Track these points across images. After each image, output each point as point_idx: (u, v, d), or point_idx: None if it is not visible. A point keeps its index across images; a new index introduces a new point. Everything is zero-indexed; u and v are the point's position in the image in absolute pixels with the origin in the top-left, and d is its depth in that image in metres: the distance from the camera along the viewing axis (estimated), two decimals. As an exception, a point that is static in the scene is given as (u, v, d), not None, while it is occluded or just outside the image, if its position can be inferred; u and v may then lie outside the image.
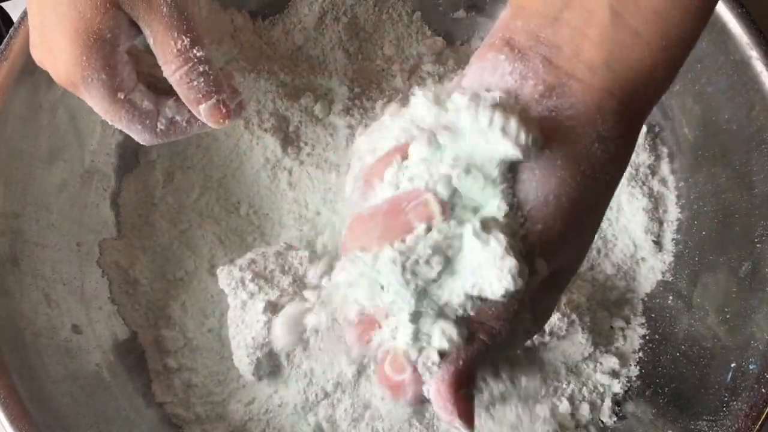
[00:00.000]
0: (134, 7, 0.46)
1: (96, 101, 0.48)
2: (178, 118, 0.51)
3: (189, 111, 0.50)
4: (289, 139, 0.64)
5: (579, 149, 0.35)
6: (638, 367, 0.61)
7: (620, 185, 0.62)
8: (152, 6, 0.47)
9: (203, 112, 0.49)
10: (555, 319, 0.57)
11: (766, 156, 0.57)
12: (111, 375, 0.59)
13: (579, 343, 0.59)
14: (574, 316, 0.58)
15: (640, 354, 0.62)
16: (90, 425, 0.56)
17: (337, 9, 0.68)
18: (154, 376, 0.61)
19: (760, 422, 0.52)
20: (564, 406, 0.59)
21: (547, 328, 0.57)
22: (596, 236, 0.63)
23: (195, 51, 0.48)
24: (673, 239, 0.63)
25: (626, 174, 0.63)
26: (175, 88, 0.49)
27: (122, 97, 0.49)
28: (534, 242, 0.35)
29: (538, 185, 0.34)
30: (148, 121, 0.50)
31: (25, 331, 0.56)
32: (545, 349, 0.58)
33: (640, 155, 0.64)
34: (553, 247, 0.35)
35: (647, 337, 0.62)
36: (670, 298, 0.62)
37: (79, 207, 0.62)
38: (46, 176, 0.60)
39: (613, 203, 0.64)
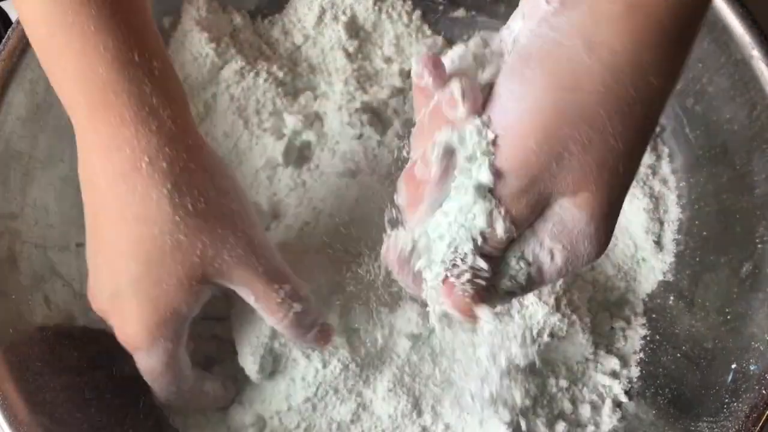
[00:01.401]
0: (229, 277, 0.47)
1: (149, 364, 0.49)
2: (210, 391, 0.54)
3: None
4: (288, 139, 0.64)
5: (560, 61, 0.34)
6: (639, 368, 0.61)
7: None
8: (248, 269, 0.47)
9: (310, 339, 0.51)
10: (555, 319, 0.57)
11: (767, 156, 0.57)
12: (110, 376, 0.59)
13: (580, 343, 0.59)
14: (574, 317, 0.58)
15: (641, 355, 0.62)
16: (89, 428, 0.55)
17: (336, 8, 0.68)
18: (153, 378, 0.61)
19: (760, 424, 0.52)
20: (565, 407, 0.58)
21: (547, 328, 0.57)
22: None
23: (296, 295, 0.49)
24: (674, 239, 0.63)
25: (627, 174, 0.63)
26: (282, 331, 0.51)
27: (176, 362, 0.49)
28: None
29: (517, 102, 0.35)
30: (184, 387, 0.52)
31: (24, 333, 0.55)
32: (546, 350, 0.58)
33: (641, 155, 0.64)
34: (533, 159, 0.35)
35: (648, 338, 0.62)
36: (671, 298, 0.62)
37: (78, 208, 0.61)
38: (45, 177, 0.59)
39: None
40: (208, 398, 0.54)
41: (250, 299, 0.48)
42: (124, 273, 0.45)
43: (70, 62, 0.41)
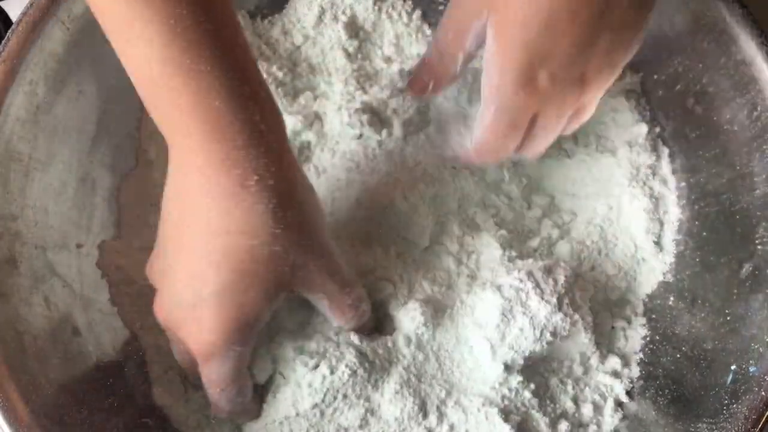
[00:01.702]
0: (309, 285, 0.51)
1: (222, 372, 0.51)
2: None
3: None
4: (288, 140, 0.64)
5: None
6: (639, 368, 0.61)
7: (621, 185, 0.63)
8: (328, 277, 0.51)
9: (365, 331, 0.57)
10: (558, 318, 0.57)
11: (767, 157, 0.57)
12: (110, 377, 0.59)
13: (582, 342, 0.59)
14: (576, 316, 0.58)
15: (641, 355, 0.62)
16: (89, 428, 0.56)
17: (336, 8, 0.68)
18: (155, 378, 0.61)
19: (760, 425, 0.52)
20: (568, 406, 0.59)
21: (550, 327, 0.57)
22: (597, 236, 0.63)
23: (361, 297, 0.55)
24: (674, 240, 0.63)
25: (627, 174, 0.64)
26: (349, 329, 0.56)
27: (245, 371, 0.53)
28: None
29: None
30: (247, 397, 0.54)
31: (24, 334, 0.55)
32: (549, 349, 0.58)
33: (641, 155, 0.64)
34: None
35: (648, 338, 0.62)
36: (671, 299, 0.62)
37: (78, 208, 0.61)
38: (45, 178, 0.59)
39: (613, 204, 0.63)
40: (255, 410, 0.57)
41: (322, 303, 0.53)
42: (211, 282, 0.48)
43: (184, 97, 0.44)
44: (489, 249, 0.61)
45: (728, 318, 0.57)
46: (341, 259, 0.53)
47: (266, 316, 0.50)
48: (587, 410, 0.59)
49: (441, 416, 0.57)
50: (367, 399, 0.56)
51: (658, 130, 0.65)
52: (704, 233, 0.62)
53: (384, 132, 0.63)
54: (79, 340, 0.59)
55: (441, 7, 0.69)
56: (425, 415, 0.57)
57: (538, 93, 0.52)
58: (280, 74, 0.66)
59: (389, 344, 0.57)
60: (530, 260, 0.61)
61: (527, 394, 0.58)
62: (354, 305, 0.54)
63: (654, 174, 0.64)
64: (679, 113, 0.63)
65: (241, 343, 0.50)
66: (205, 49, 0.44)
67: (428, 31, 0.69)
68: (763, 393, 0.52)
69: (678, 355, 0.60)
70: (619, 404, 0.60)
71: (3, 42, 0.57)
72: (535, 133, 0.55)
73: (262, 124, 0.46)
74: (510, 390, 0.58)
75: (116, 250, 0.63)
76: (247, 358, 0.52)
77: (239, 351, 0.50)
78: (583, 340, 0.59)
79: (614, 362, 0.61)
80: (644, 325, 0.62)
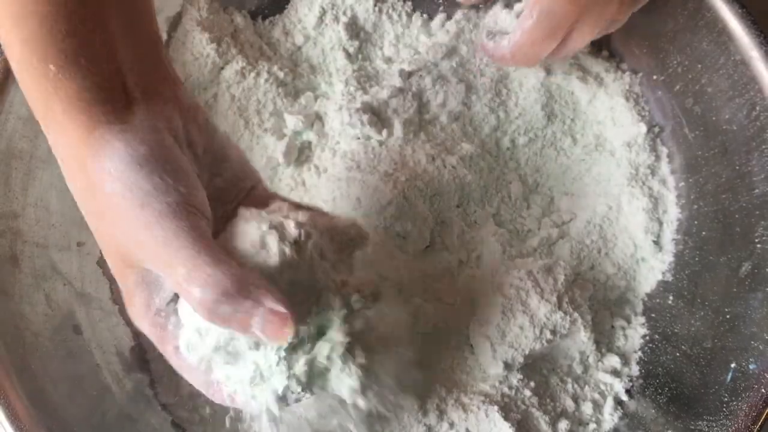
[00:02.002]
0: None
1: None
2: None
3: None
4: (289, 139, 0.64)
5: None
6: (639, 367, 0.61)
7: (620, 185, 0.63)
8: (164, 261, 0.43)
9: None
10: (558, 317, 0.57)
11: (766, 156, 0.57)
12: (111, 375, 0.59)
13: (581, 341, 0.59)
14: (576, 315, 0.58)
15: (641, 353, 0.62)
16: (91, 426, 0.56)
17: (336, 9, 0.68)
18: (157, 377, 0.61)
19: (759, 422, 0.52)
20: (568, 405, 0.59)
21: (550, 326, 0.57)
22: (597, 236, 0.63)
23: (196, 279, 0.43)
24: (673, 239, 0.63)
25: (626, 174, 0.64)
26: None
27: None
28: None
29: None
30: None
31: (25, 332, 0.55)
32: (549, 348, 0.58)
33: (640, 155, 0.64)
34: None
35: (648, 337, 0.62)
36: (671, 298, 0.62)
37: (77, 206, 0.61)
38: (46, 176, 0.59)
39: (612, 203, 0.64)
40: None
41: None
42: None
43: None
44: (489, 248, 0.62)
45: (727, 316, 0.57)
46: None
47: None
48: (587, 408, 0.59)
49: (441, 414, 0.57)
50: None
51: (657, 130, 0.65)
52: (703, 232, 0.62)
53: (384, 132, 0.63)
54: (80, 338, 0.59)
55: (441, 8, 0.70)
56: (425, 413, 0.57)
57: (582, 3, 0.55)
58: (281, 74, 0.66)
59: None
60: (530, 259, 0.61)
61: (527, 393, 0.58)
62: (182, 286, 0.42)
63: (653, 174, 0.65)
64: (678, 113, 0.64)
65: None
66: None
67: (428, 32, 0.69)
68: (762, 390, 0.52)
69: (677, 354, 0.60)
70: (618, 403, 0.60)
71: (5, 41, 0.57)
72: (569, 40, 0.58)
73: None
74: (510, 388, 0.58)
75: (117, 249, 0.63)
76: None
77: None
78: (583, 338, 0.59)
79: (614, 361, 0.61)
80: (644, 324, 0.63)
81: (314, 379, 0.43)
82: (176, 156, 0.43)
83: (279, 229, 0.44)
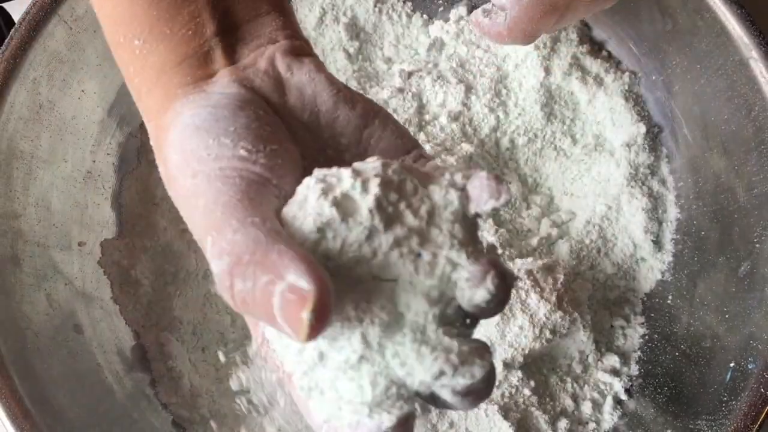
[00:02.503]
0: None
1: None
2: None
3: None
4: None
5: None
6: (638, 366, 0.61)
7: (620, 185, 0.63)
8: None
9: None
10: (557, 317, 0.57)
11: (765, 156, 0.57)
12: (113, 375, 0.59)
13: (581, 341, 0.59)
14: (575, 314, 0.58)
15: (640, 353, 0.62)
16: (92, 425, 0.56)
17: (337, 9, 0.68)
18: (157, 376, 0.61)
19: (759, 422, 0.52)
20: (567, 404, 0.59)
21: (549, 325, 0.57)
22: (596, 235, 0.63)
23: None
24: (672, 239, 0.63)
25: (626, 174, 0.64)
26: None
27: None
28: None
29: None
30: None
31: (26, 331, 0.55)
32: (548, 347, 0.58)
33: (640, 155, 0.64)
34: None
35: (647, 337, 0.62)
36: (670, 297, 0.62)
37: (80, 207, 0.62)
38: (47, 176, 0.60)
39: (612, 203, 0.64)
40: None
41: None
42: None
43: None
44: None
45: (726, 316, 0.57)
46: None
47: None
48: (586, 408, 0.59)
49: (441, 413, 0.57)
50: None
51: (656, 130, 0.66)
52: (702, 232, 0.62)
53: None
54: (81, 337, 0.59)
55: (441, 8, 0.70)
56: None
57: None
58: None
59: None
60: (530, 259, 0.61)
61: (527, 392, 0.58)
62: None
63: (652, 174, 0.65)
64: (678, 113, 0.64)
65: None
66: None
67: (428, 32, 0.69)
68: (762, 390, 0.52)
69: (676, 354, 0.60)
70: (618, 402, 0.60)
71: (5, 41, 0.57)
72: (565, 16, 0.55)
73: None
74: (510, 387, 0.58)
75: (118, 248, 0.63)
76: None
77: None
78: (582, 338, 0.59)
79: (613, 360, 0.61)
80: (643, 323, 0.63)
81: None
82: (247, 113, 0.35)
83: (327, 181, 0.32)
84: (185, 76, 0.37)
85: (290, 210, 0.33)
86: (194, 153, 0.34)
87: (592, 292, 0.62)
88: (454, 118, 0.65)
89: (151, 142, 0.38)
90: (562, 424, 0.58)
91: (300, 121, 0.37)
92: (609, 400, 0.60)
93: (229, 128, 0.34)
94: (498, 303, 0.32)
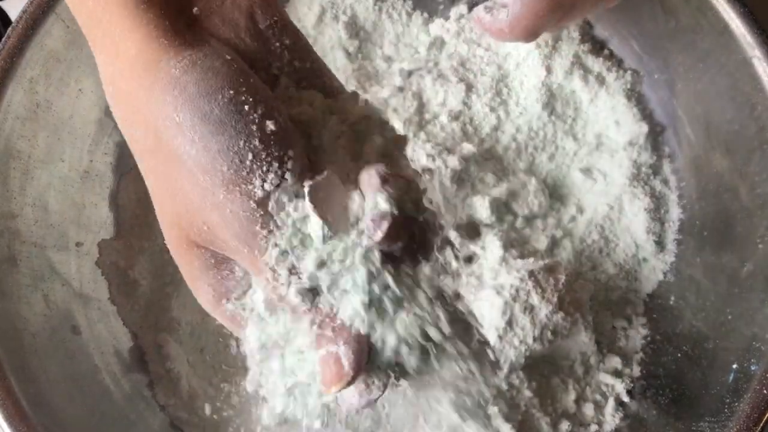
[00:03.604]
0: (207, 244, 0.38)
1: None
2: None
3: None
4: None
5: None
6: (640, 367, 0.61)
7: (621, 185, 0.63)
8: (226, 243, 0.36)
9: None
10: (559, 317, 0.57)
11: (767, 156, 0.57)
12: (110, 376, 0.59)
13: (582, 342, 0.59)
14: (577, 315, 0.58)
15: (642, 354, 0.62)
16: (89, 427, 0.55)
17: (336, 8, 0.68)
18: (155, 378, 0.61)
19: (761, 423, 0.52)
20: (569, 406, 0.59)
21: (551, 326, 0.57)
22: (598, 236, 0.63)
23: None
24: (674, 239, 0.63)
25: (628, 174, 0.64)
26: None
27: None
28: None
29: None
30: None
31: (23, 332, 0.55)
32: (550, 349, 0.58)
33: (642, 155, 0.64)
34: None
35: (649, 338, 0.62)
36: (672, 298, 0.62)
37: (77, 207, 0.61)
38: (45, 176, 0.59)
39: (614, 203, 0.63)
40: None
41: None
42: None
43: None
44: (490, 249, 0.61)
45: (729, 317, 0.57)
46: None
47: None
48: (588, 410, 0.59)
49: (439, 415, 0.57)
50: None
51: (658, 129, 0.65)
52: (705, 233, 0.61)
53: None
54: (78, 338, 0.58)
55: (441, 7, 0.69)
56: None
57: None
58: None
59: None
60: (531, 260, 0.61)
61: (528, 393, 0.57)
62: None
63: (655, 173, 0.64)
64: (680, 113, 0.63)
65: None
66: None
67: (428, 31, 0.69)
68: (764, 391, 0.52)
69: (679, 355, 0.60)
70: (620, 404, 0.60)
71: (2, 40, 0.57)
72: (569, 14, 0.53)
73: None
74: (511, 389, 0.57)
75: (115, 249, 0.63)
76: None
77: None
78: (584, 339, 0.59)
79: (615, 361, 0.61)
80: (645, 324, 0.62)
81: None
82: (249, 86, 0.34)
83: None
84: (166, 31, 0.35)
85: None
86: (207, 144, 0.33)
87: (594, 292, 0.62)
88: (455, 117, 0.65)
89: (116, 97, 0.36)
90: (564, 426, 0.57)
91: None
92: (611, 402, 0.59)
93: (239, 110, 0.34)
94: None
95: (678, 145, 0.64)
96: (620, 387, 0.60)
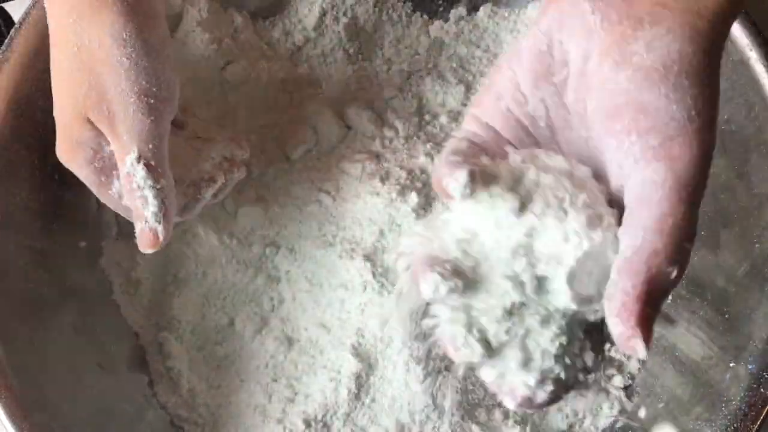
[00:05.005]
0: (100, 125, 0.49)
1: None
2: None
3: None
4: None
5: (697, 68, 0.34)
6: (637, 366, 0.61)
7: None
8: (114, 131, 0.49)
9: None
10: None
11: (765, 156, 0.57)
12: (112, 375, 0.59)
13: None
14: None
15: (640, 353, 0.62)
16: (90, 426, 0.56)
17: (337, 9, 0.68)
18: (156, 376, 0.61)
19: (758, 422, 0.52)
20: (568, 404, 0.59)
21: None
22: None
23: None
24: (672, 239, 0.63)
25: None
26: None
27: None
28: None
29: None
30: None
31: (23, 332, 0.56)
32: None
33: (640, 155, 0.64)
34: None
35: (646, 337, 0.62)
36: (670, 297, 0.62)
37: (80, 208, 0.62)
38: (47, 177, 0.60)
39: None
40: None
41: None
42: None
43: None
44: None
45: (726, 316, 0.57)
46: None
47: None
48: (585, 408, 0.59)
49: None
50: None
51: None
52: (702, 232, 0.62)
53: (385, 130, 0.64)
54: (79, 337, 0.59)
55: (441, 8, 0.70)
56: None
57: None
58: (280, 74, 0.66)
59: None
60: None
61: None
62: (130, 176, 0.50)
63: (653, 174, 0.64)
64: (678, 113, 0.64)
65: (80, 164, 0.51)
66: None
67: (428, 32, 0.69)
68: (762, 390, 0.52)
69: (676, 353, 0.60)
70: (617, 401, 0.60)
71: (5, 41, 0.57)
72: None
73: None
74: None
75: (118, 249, 0.63)
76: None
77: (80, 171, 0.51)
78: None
79: (613, 361, 0.61)
80: (643, 323, 0.63)
81: None
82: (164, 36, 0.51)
83: None
84: None
85: None
86: (136, 66, 0.49)
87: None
88: (454, 118, 0.65)
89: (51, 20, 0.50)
90: (562, 423, 0.57)
91: None
92: (608, 401, 0.60)
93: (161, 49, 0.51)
94: None
95: (676, 146, 0.64)
96: (617, 384, 0.60)
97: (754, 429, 0.52)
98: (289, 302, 0.61)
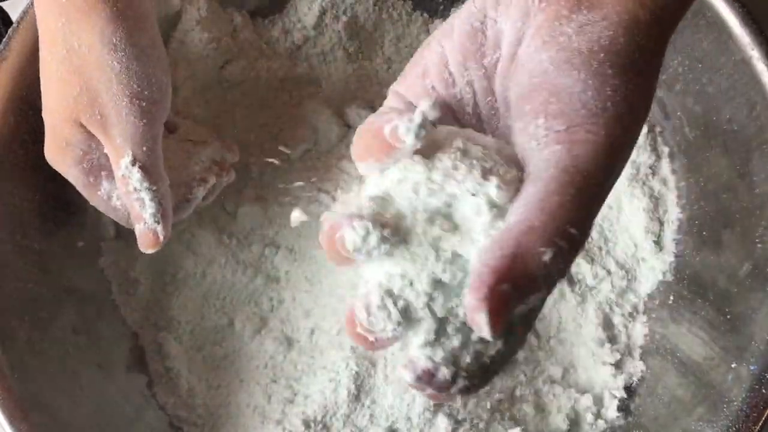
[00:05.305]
0: (92, 128, 0.50)
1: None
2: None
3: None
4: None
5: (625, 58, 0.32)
6: (639, 366, 0.61)
7: (620, 185, 0.63)
8: (108, 134, 0.49)
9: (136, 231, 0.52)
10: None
11: (766, 156, 0.57)
12: (111, 376, 0.59)
13: (582, 341, 0.59)
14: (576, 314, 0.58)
15: (641, 353, 0.62)
16: (89, 426, 0.56)
17: (336, 8, 0.68)
18: (155, 377, 0.61)
19: (760, 423, 0.52)
20: (566, 402, 0.59)
21: (554, 325, 0.57)
22: (597, 235, 0.63)
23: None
24: (673, 239, 0.63)
25: (626, 174, 0.63)
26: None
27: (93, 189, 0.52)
28: None
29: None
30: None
31: (23, 332, 0.55)
32: (549, 348, 0.58)
33: (641, 155, 0.64)
34: None
35: (648, 337, 0.62)
36: (671, 298, 0.62)
37: (79, 208, 0.61)
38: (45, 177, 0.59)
39: (613, 203, 0.64)
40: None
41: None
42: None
43: None
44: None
45: (728, 317, 0.57)
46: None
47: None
48: (586, 406, 0.59)
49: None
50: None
51: (658, 129, 0.65)
52: (703, 232, 0.61)
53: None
54: (78, 338, 0.59)
55: (441, 7, 0.69)
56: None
57: None
58: (280, 73, 0.66)
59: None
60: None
61: (527, 390, 0.58)
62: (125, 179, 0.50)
63: (654, 173, 0.64)
64: (679, 113, 0.63)
65: (69, 165, 0.51)
66: None
67: (429, 31, 0.69)
68: (763, 391, 0.52)
69: (678, 354, 0.60)
70: (618, 401, 0.60)
71: (4, 41, 0.57)
72: None
73: None
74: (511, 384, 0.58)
75: (116, 249, 0.63)
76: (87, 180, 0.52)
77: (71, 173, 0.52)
78: (584, 336, 0.59)
79: (615, 360, 0.61)
80: (644, 323, 0.62)
81: None
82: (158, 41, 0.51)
83: None
84: None
85: None
86: (131, 72, 0.49)
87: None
88: (454, 117, 0.65)
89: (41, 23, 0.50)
90: (563, 423, 0.57)
91: None
92: (609, 399, 0.59)
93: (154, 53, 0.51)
94: None
95: (677, 145, 0.64)
96: (618, 384, 0.60)
97: (756, 430, 0.52)
98: (289, 302, 0.61)
